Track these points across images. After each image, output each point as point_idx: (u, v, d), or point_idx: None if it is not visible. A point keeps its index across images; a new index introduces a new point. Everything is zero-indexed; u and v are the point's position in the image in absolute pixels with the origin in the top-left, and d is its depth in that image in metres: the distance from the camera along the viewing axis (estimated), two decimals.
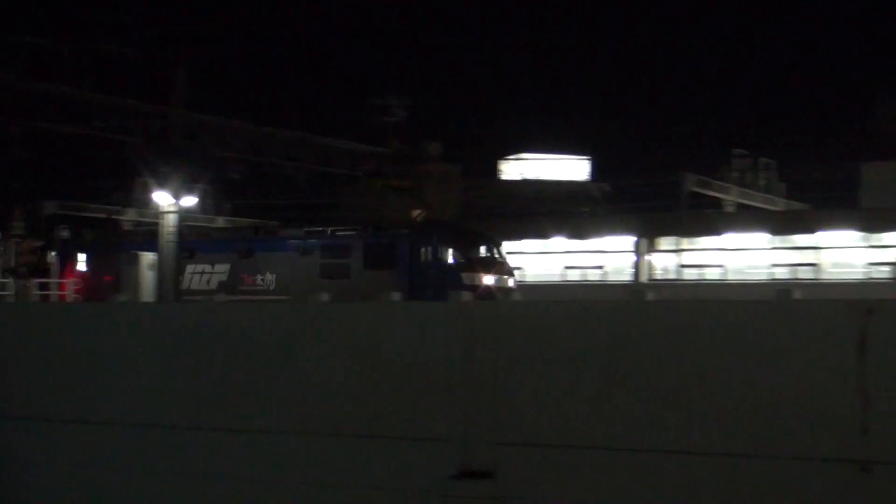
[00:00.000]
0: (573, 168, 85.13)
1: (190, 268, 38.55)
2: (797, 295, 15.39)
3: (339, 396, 17.42)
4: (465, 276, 35.17)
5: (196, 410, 18.70)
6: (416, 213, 43.39)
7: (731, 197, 65.86)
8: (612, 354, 15.39)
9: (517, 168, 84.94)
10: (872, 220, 55.62)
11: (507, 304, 16.89)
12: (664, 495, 14.95)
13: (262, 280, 37.68)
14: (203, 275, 38.78)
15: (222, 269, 38.46)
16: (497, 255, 37.66)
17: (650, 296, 16.76)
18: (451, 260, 36.01)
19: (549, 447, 15.70)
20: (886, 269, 54.10)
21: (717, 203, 64.69)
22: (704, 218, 53.12)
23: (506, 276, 36.87)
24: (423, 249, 36.23)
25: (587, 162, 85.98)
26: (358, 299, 25.96)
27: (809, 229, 55.80)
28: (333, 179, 64.13)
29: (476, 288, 33.81)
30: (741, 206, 65.41)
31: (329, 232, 38.95)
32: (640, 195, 70.12)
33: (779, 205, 70.45)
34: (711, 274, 46.47)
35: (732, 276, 46.10)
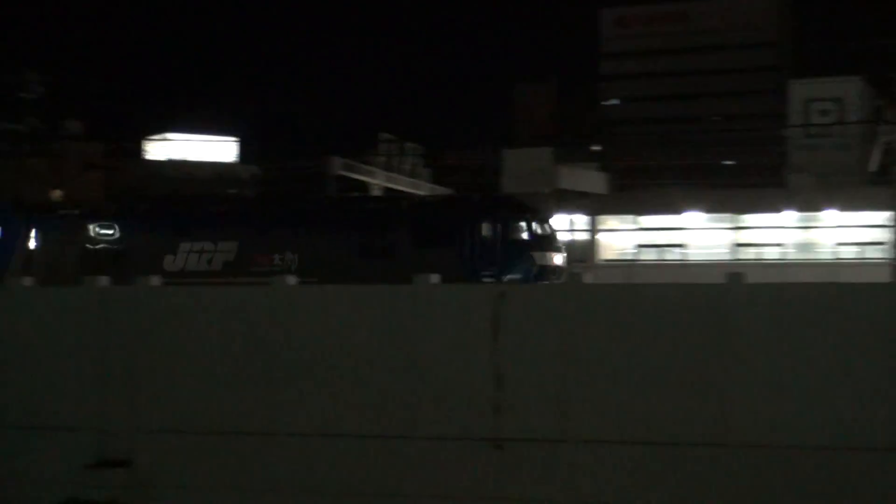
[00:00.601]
0: (220, 149, 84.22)
1: (185, 246, 32.74)
2: (435, 280, 15.78)
3: None
4: (537, 255, 30.54)
5: None
6: (56, 193, 41.82)
7: (377, 181, 67.10)
8: (248, 340, 15.37)
9: (163, 148, 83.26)
10: None
11: (143, 289, 16.50)
12: (306, 476, 15.05)
13: (282, 260, 31.78)
14: (202, 254, 32.68)
15: (228, 247, 32.47)
16: (551, 230, 32.63)
17: (292, 280, 16.74)
18: (519, 236, 30.96)
19: (186, 433, 15.59)
20: None
21: (363, 187, 65.76)
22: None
23: (562, 254, 31.94)
24: (487, 224, 30.82)
25: (235, 143, 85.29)
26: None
27: None
28: None
29: (545, 268, 29.86)
30: (387, 191, 66.72)
31: (366, 202, 34.06)
32: (288, 178, 70.36)
33: (424, 189, 72.25)
34: None
35: None
